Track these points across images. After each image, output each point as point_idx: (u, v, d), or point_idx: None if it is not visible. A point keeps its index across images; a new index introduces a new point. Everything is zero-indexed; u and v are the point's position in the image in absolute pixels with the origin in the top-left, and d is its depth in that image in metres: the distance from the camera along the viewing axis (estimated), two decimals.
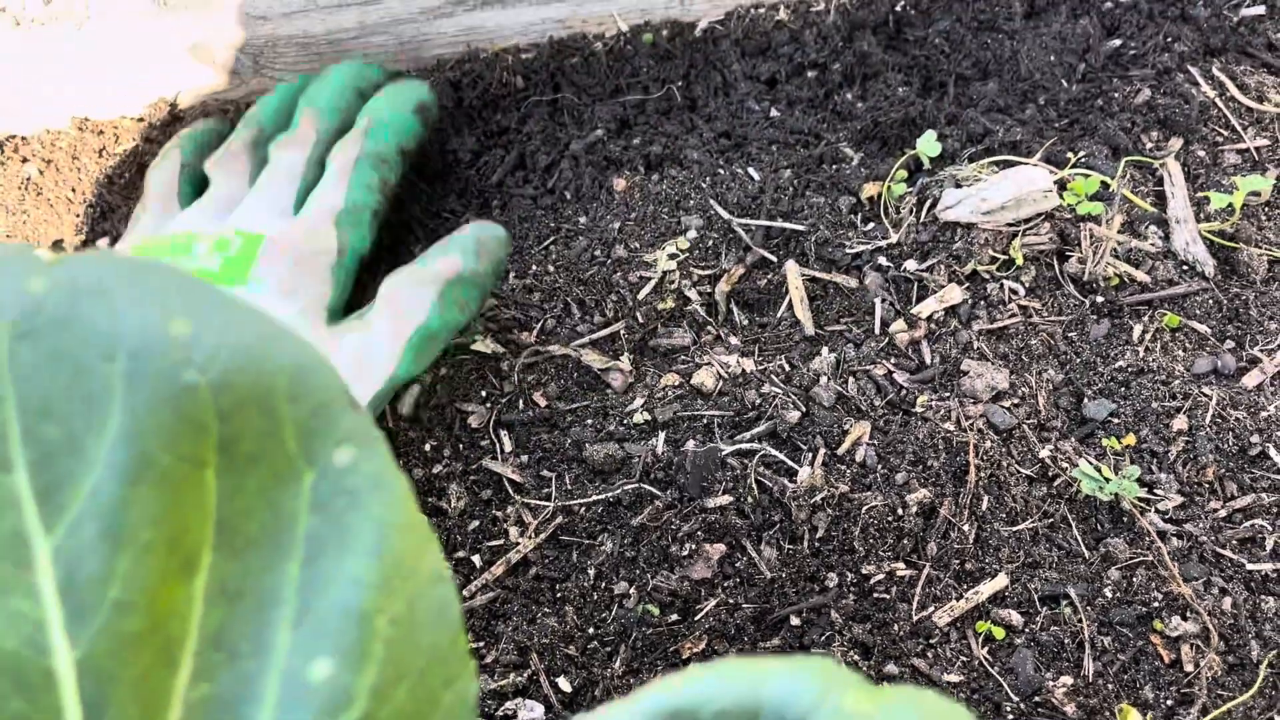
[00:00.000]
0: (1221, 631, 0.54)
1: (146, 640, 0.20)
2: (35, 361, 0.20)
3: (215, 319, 0.21)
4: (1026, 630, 0.55)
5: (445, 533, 0.61)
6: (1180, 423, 0.60)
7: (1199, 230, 0.68)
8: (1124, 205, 0.69)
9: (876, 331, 0.66)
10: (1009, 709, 0.52)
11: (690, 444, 0.61)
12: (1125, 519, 0.58)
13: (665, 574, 0.56)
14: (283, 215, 0.65)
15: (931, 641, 0.55)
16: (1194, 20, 0.80)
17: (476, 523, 0.61)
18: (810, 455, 0.60)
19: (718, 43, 0.81)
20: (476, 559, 0.60)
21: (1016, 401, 0.62)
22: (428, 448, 0.64)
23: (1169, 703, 0.53)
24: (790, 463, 0.60)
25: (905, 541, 0.57)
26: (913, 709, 0.21)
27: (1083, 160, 0.71)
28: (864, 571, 0.56)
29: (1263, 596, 0.55)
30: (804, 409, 0.62)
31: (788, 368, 0.65)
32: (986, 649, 0.54)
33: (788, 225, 0.70)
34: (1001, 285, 0.66)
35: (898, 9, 0.82)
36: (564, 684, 0.54)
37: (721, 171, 0.73)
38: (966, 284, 0.67)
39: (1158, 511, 0.58)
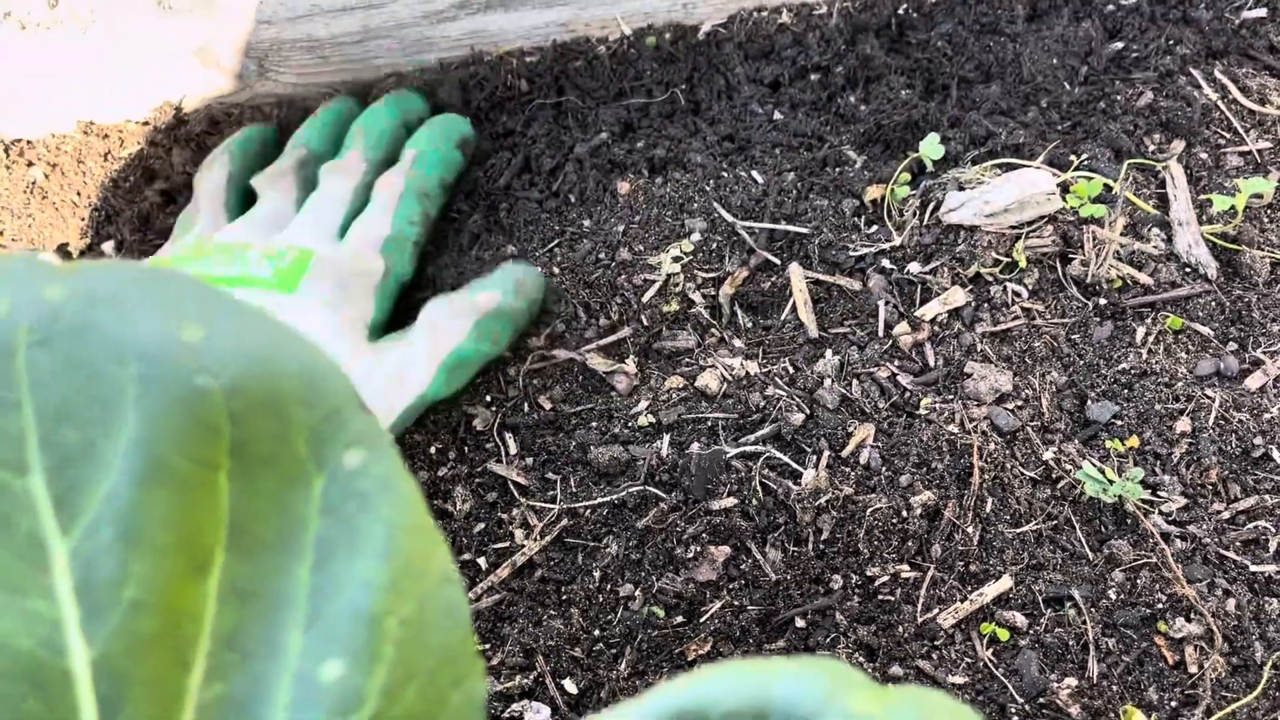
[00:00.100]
0: (1225, 633, 0.54)
1: (161, 641, 0.20)
2: (52, 368, 0.20)
3: (228, 325, 0.21)
4: (1031, 632, 0.55)
5: (451, 535, 0.61)
6: (1183, 425, 0.61)
7: (1201, 232, 0.68)
8: (1126, 208, 0.69)
9: (880, 334, 0.66)
10: (1014, 710, 0.52)
11: (695, 446, 0.61)
12: (1129, 521, 0.58)
13: (670, 576, 0.57)
14: (329, 238, 0.69)
15: (936, 643, 0.55)
16: (1196, 23, 0.80)
17: (482, 525, 0.61)
18: (814, 457, 0.60)
19: (721, 46, 0.81)
20: (482, 561, 0.60)
21: (1020, 404, 0.62)
22: (433, 451, 0.64)
23: (1173, 704, 0.53)
24: (795, 465, 0.60)
25: (910, 543, 0.57)
26: (919, 709, 0.21)
27: (1085, 163, 0.71)
28: (869, 573, 0.56)
29: (1266, 598, 0.55)
30: (808, 411, 0.62)
31: (792, 370, 0.65)
32: (991, 650, 0.54)
33: (791, 228, 0.70)
34: (1005, 288, 0.66)
35: (900, 12, 0.82)
36: (569, 686, 0.54)
37: (725, 174, 0.73)
38: (970, 286, 0.67)
39: (1161, 513, 0.58)
